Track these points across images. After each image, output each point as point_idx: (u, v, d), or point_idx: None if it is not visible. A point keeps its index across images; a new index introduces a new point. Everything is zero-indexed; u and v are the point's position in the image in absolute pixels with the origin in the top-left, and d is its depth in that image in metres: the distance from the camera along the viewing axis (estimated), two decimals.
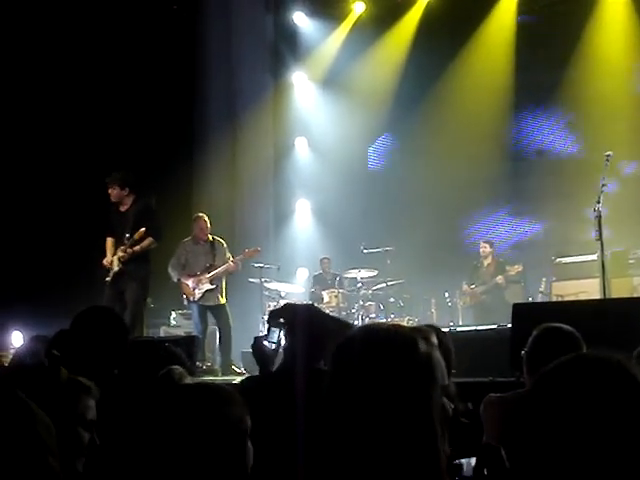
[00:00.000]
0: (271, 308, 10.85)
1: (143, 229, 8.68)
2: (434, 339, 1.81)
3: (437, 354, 1.78)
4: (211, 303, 9.68)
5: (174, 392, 2.06)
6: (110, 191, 8.91)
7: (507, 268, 11.43)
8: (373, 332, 1.78)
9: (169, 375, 4.06)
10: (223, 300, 9.74)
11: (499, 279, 11.34)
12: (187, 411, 1.95)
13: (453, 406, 1.82)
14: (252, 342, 3.98)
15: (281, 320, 3.81)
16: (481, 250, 11.80)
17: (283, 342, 3.77)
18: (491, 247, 11.80)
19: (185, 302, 9.93)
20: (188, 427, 1.92)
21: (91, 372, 3.17)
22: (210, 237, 9.86)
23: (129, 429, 3.10)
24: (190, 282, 9.67)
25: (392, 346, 1.71)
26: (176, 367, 4.06)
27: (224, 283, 9.83)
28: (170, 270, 9.81)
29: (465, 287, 11.79)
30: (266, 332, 3.90)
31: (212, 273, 9.62)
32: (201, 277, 9.66)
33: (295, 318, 3.78)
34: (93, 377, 3.07)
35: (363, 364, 1.69)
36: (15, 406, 1.87)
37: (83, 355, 3.43)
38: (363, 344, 1.73)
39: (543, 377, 1.49)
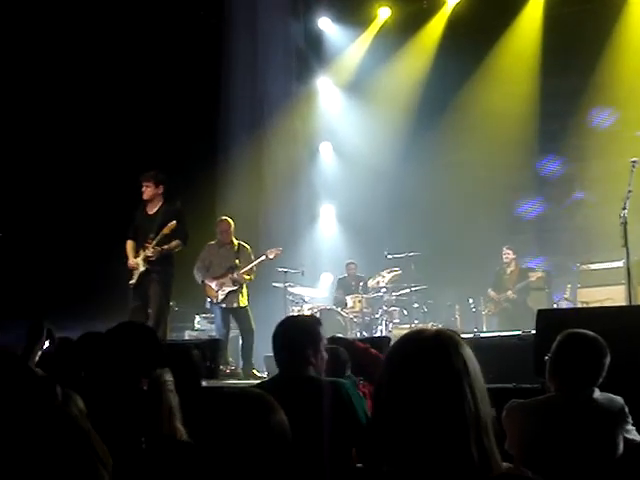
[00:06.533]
0: (295, 313, 10.93)
1: (174, 222, 8.64)
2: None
3: (475, 360, 1.85)
4: (234, 305, 9.73)
5: (216, 400, 2.07)
6: (144, 188, 8.87)
7: (530, 274, 11.42)
8: (419, 337, 1.87)
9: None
10: (245, 302, 9.79)
11: (509, 294, 11.42)
12: (231, 419, 1.96)
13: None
14: None
15: None
16: (504, 256, 11.77)
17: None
18: (514, 253, 11.76)
19: (208, 305, 10.00)
20: (232, 436, 1.93)
21: (116, 386, 3.23)
22: (236, 242, 9.92)
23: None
24: (214, 284, 9.74)
25: (438, 351, 1.81)
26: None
27: (245, 286, 9.88)
28: (195, 272, 9.90)
29: (492, 293, 11.76)
30: None
31: (238, 273, 9.68)
32: (224, 279, 9.72)
33: (274, 333, 3.86)
34: (118, 390, 3.13)
35: (409, 366, 1.80)
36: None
37: (113, 371, 3.44)
38: (411, 347, 1.85)
39: None
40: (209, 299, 9.86)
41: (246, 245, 10.01)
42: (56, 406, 2.05)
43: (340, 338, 5.27)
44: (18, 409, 1.95)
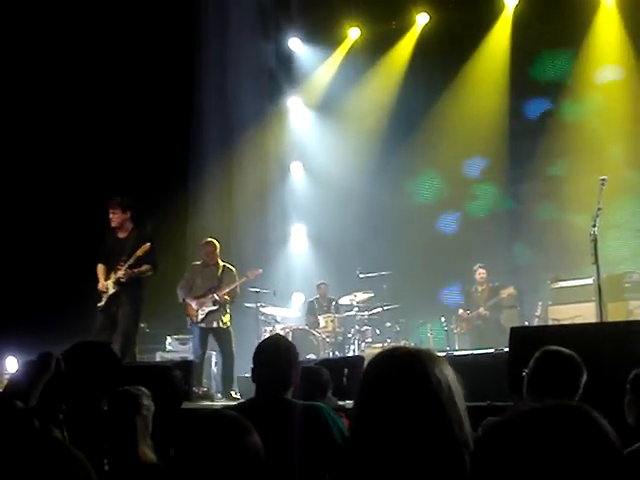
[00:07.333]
0: (267, 333, 10.90)
1: (148, 244, 8.62)
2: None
3: (455, 377, 1.85)
4: (213, 325, 9.72)
5: (192, 421, 2.05)
6: (111, 215, 8.82)
7: (501, 292, 11.47)
8: (395, 354, 1.86)
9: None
10: (227, 324, 9.78)
11: (481, 310, 11.46)
12: (206, 440, 1.96)
13: None
14: None
15: None
16: (479, 276, 11.81)
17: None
18: (487, 273, 11.82)
19: (189, 324, 9.95)
20: (207, 456, 1.92)
21: (79, 406, 3.18)
22: (221, 263, 9.94)
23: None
24: (194, 303, 9.75)
25: (412, 371, 1.79)
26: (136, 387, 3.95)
27: (228, 308, 9.87)
28: (178, 290, 9.94)
29: (461, 312, 11.80)
30: None
31: (219, 294, 9.67)
32: (205, 299, 9.71)
33: (259, 350, 3.80)
34: (80, 410, 3.08)
35: (387, 390, 1.78)
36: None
37: (73, 390, 3.38)
38: (387, 371, 1.83)
39: (494, 431, 1.39)
40: (189, 319, 9.83)
41: (231, 267, 10.02)
42: (37, 432, 2.02)
43: None
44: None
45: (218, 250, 9.95)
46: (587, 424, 1.34)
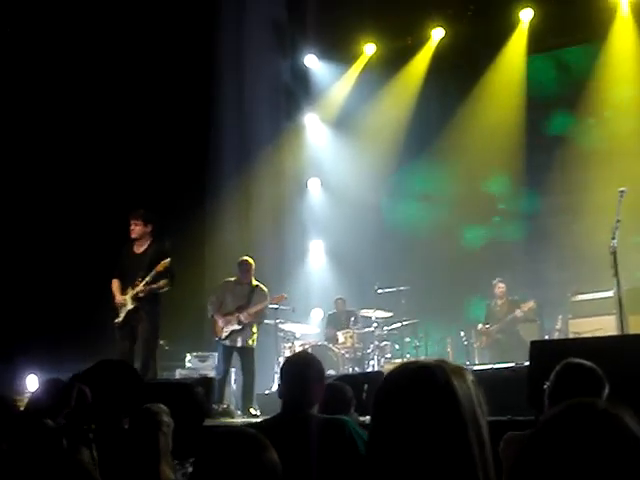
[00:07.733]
0: (286, 349, 10.91)
1: (168, 259, 8.60)
2: (470, 376, 1.84)
3: (476, 391, 1.81)
4: (238, 344, 9.81)
5: (210, 439, 2.06)
6: (133, 226, 8.79)
7: (521, 305, 11.40)
8: (408, 372, 1.82)
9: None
10: (251, 343, 9.82)
11: (517, 312, 11.33)
12: (225, 458, 1.97)
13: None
14: None
15: None
16: (498, 290, 11.76)
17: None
18: (506, 287, 11.76)
19: (216, 339, 9.99)
20: (226, 474, 1.94)
21: (102, 424, 3.19)
22: (254, 282, 10.00)
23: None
24: (221, 321, 9.83)
25: (430, 385, 1.76)
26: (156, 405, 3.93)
27: (255, 327, 9.92)
28: (208, 305, 10.05)
29: (480, 327, 11.73)
30: None
31: (244, 314, 9.74)
32: (231, 317, 9.79)
33: (284, 367, 3.82)
34: (101, 428, 3.09)
35: (402, 403, 1.75)
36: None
37: (94, 408, 3.39)
38: (402, 383, 1.79)
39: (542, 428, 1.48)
40: (214, 335, 9.88)
41: (263, 287, 10.05)
42: (65, 454, 2.04)
43: None
44: (28, 458, 1.94)
45: (253, 269, 10.01)
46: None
